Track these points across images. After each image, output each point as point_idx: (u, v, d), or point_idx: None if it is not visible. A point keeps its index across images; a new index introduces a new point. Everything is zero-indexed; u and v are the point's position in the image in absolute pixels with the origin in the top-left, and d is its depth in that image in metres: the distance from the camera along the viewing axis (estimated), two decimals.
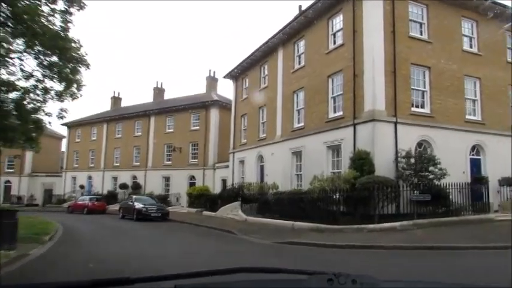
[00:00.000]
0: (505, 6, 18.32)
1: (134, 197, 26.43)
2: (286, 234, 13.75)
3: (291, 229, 14.82)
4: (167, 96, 45.33)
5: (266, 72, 24.93)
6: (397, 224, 12.65)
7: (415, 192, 14.30)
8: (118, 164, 41.05)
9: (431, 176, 13.95)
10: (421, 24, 16.96)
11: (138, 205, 23.36)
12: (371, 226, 12.61)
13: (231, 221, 20.04)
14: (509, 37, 19.42)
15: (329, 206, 14.35)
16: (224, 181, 30.49)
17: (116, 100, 48.35)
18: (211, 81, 40.14)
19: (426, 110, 16.33)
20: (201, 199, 27.00)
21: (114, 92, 49.56)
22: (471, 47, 18.12)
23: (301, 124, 20.14)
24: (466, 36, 18.09)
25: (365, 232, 12.45)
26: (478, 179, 16.07)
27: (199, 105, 35.34)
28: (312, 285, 1.30)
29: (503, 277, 5.79)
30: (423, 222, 12.97)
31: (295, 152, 20.37)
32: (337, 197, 14.13)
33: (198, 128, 35.07)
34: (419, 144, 15.89)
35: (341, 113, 16.99)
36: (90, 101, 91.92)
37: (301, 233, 13.79)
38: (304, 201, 15.42)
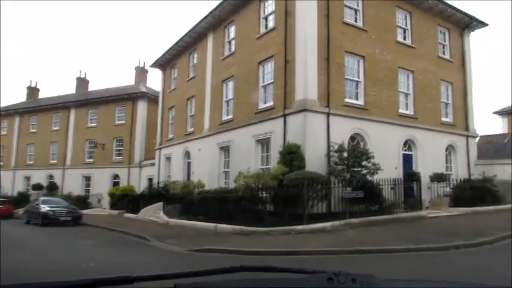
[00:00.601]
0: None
1: (41, 198, 22.99)
2: (207, 238, 11.95)
3: (214, 233, 13.05)
4: (92, 87, 41.40)
5: (195, 60, 22.89)
6: (328, 224, 11.33)
7: (348, 189, 13.16)
8: (32, 162, 36.60)
9: (364, 171, 12.86)
10: (356, 11, 15.97)
11: (45, 208, 20.20)
12: (300, 227, 11.15)
13: (151, 224, 17.86)
14: (440, 32, 19.26)
15: (256, 205, 12.74)
16: (151, 180, 27.93)
17: (32, 91, 43.18)
18: (141, 72, 37.10)
19: (360, 101, 15.35)
20: (124, 200, 24.33)
21: (31, 81, 44.38)
22: (405, 38, 17.56)
23: (230, 116, 18.40)
24: (400, 27, 17.50)
25: (293, 234, 10.97)
26: (410, 175, 15.38)
27: (126, 98, 32.32)
28: (312, 284, 1.29)
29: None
30: (355, 222, 11.80)
31: (223, 147, 18.60)
32: (264, 195, 12.57)
33: (123, 122, 32.07)
34: (353, 138, 14.86)
35: (272, 103, 15.49)
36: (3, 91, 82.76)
37: (223, 236, 12.06)
38: (228, 200, 13.67)
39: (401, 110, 16.73)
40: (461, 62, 19.80)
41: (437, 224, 12.77)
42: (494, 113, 41.45)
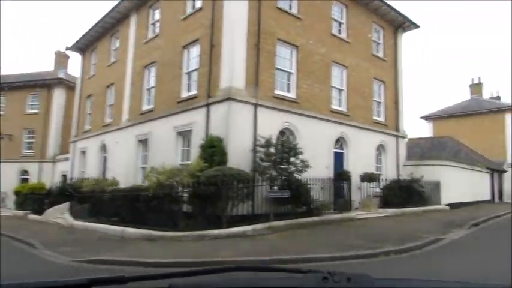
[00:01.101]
0: None
1: None
2: (110, 245, 10.04)
3: (120, 237, 11.14)
4: (4, 72, 36.69)
5: (117, 44, 20.56)
6: (249, 228, 9.98)
7: (275, 188, 11.98)
8: None
9: (292, 169, 11.71)
10: None
11: None
12: (216, 232, 9.66)
13: (53, 227, 15.40)
14: (375, 30, 18.91)
15: (169, 206, 11.05)
16: (65, 176, 24.93)
17: None
18: (61, 57, 33.40)
19: (291, 94, 14.27)
20: (31, 199, 21.28)
21: None
22: (340, 32, 16.85)
23: (151, 106, 16.48)
24: (335, 20, 16.74)
25: (207, 240, 9.46)
26: (340, 174, 14.60)
27: (40, 84, 28.81)
28: (308, 284, 1.29)
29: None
30: (280, 225, 10.59)
31: (142, 140, 16.61)
32: (179, 194, 10.94)
33: (37, 111, 28.55)
34: (282, 133, 13.71)
35: (196, 91, 13.87)
36: None
37: (128, 243, 10.21)
38: (140, 200, 11.84)
39: (334, 106, 15.96)
40: (393, 62, 19.65)
41: (366, 227, 12.01)
42: (421, 117, 43.34)
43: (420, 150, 27.36)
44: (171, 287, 1.25)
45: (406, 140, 20.24)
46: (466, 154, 29.77)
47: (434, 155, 23.12)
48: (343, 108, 16.34)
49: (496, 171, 31.35)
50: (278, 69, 13.98)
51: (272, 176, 11.61)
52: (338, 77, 16.46)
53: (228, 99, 12.02)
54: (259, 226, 10.07)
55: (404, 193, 16.64)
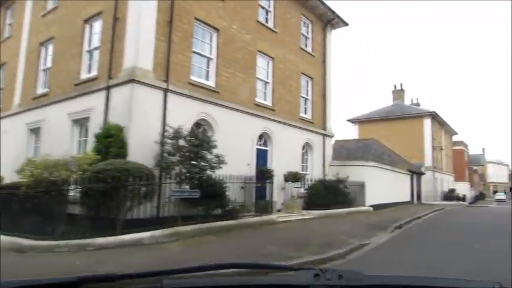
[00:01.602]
0: None
1: None
2: None
3: None
4: None
5: (11, 17, 17.52)
6: (146, 234, 8.21)
7: (186, 186, 10.33)
8: None
9: (203, 164, 10.12)
10: None
11: None
12: (101, 241, 7.71)
13: None
14: (304, 23, 18.07)
15: (52, 206, 8.90)
16: None
17: None
18: None
19: (210, 82, 12.72)
20: None
21: None
22: (267, 21, 15.66)
23: (46, 89, 13.96)
24: (262, 7, 15.53)
25: (90, 251, 7.54)
26: (262, 173, 13.34)
27: None
28: (300, 280, 1.29)
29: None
30: (187, 230, 8.96)
31: (33, 129, 14.02)
32: (64, 193, 8.86)
33: None
34: (198, 125, 12.10)
35: (96, 72, 11.75)
36: None
37: None
38: (14, 200, 9.52)
39: (259, 99, 14.69)
40: (322, 58, 18.97)
41: (287, 231, 10.82)
42: (348, 120, 44.22)
43: (346, 151, 27.35)
44: (164, 284, 1.20)
45: (333, 139, 19.63)
46: (389, 156, 30.46)
47: (360, 156, 23.02)
48: (268, 102, 15.15)
49: (415, 173, 32.53)
50: (196, 53, 12.35)
51: (181, 172, 9.92)
52: (264, 68, 15.24)
53: (132, 81, 10.13)
54: (159, 232, 8.34)
55: (329, 194, 15.89)
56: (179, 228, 8.83)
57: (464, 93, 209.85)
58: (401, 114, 40.73)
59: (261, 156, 14.46)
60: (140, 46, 10.44)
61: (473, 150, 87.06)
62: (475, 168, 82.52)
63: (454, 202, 41.05)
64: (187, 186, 10.31)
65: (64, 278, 1.19)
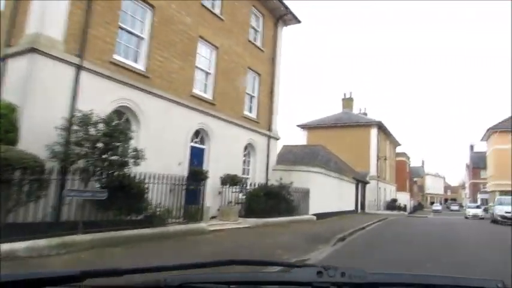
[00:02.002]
0: None
1: None
2: None
3: None
4: None
5: None
6: (22, 245, 6.28)
7: (97, 185, 8.48)
8: None
9: (114, 159, 8.32)
10: None
11: None
12: None
13: None
14: (255, 15, 16.76)
15: None
16: None
17: None
18: None
19: (139, 65, 10.93)
20: None
21: None
22: (213, 7, 14.12)
23: None
24: None
25: None
26: (195, 174, 11.71)
27: None
28: (301, 278, 1.26)
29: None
30: (84, 240, 7.12)
31: None
32: None
33: None
34: (120, 113, 10.26)
35: None
36: None
37: None
38: None
39: (197, 91, 13.09)
40: (272, 55, 17.75)
41: (216, 243, 9.27)
42: (298, 126, 43.69)
43: (293, 156, 26.45)
44: (166, 280, 1.22)
45: (279, 142, 18.42)
46: (335, 163, 29.98)
47: (306, 161, 22.07)
48: (208, 95, 13.59)
49: (360, 182, 32.36)
50: (124, 29, 10.53)
51: (88, 167, 8.07)
52: (206, 58, 13.68)
53: (33, 50, 8.14)
54: (43, 242, 6.46)
55: (271, 200, 14.60)
56: (73, 238, 6.98)
57: (408, 107, 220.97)
58: (349, 122, 40.82)
59: (197, 156, 12.84)
60: (48, 8, 8.49)
61: (413, 162, 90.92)
62: (415, 179, 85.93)
63: (395, 212, 41.69)
64: (97, 185, 8.48)
65: (67, 271, 1.18)
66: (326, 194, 20.14)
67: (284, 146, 33.80)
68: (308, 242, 10.32)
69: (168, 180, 10.59)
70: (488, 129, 44.88)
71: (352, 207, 27.79)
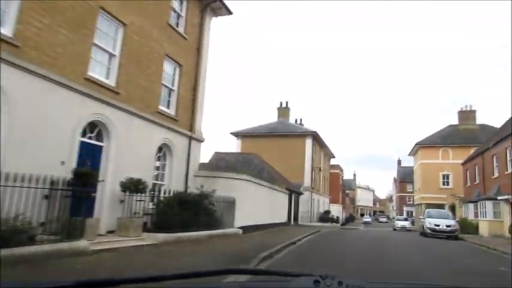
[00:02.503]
0: None
1: None
2: None
3: None
4: None
5: None
6: None
7: None
8: None
9: None
10: None
11: None
12: None
13: None
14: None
15: None
16: None
17: None
18: None
19: (5, 30, 8.18)
20: None
21: None
22: None
23: None
24: None
25: None
26: (81, 176, 9.02)
27: None
28: (299, 286, 1.29)
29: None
30: None
31: None
32: None
33: None
34: None
35: None
36: None
37: None
38: None
39: (95, 74, 10.46)
40: (197, 45, 15.58)
41: (88, 269, 6.74)
42: (231, 133, 41.77)
43: (225, 164, 24.48)
44: None
45: (207, 146, 16.10)
46: (268, 173, 28.36)
47: (238, 169, 20.03)
48: (110, 81, 11.00)
49: (294, 192, 31.00)
50: None
51: None
52: (109, 35, 11.14)
53: None
54: None
55: (188, 211, 12.27)
56: None
57: (341, 121, 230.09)
58: (284, 132, 39.75)
59: (91, 154, 10.15)
60: None
61: (346, 175, 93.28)
62: (347, 191, 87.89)
63: (328, 224, 41.11)
64: None
65: (61, 281, 1.16)
66: (255, 204, 18.19)
67: (216, 153, 31.68)
68: (224, 264, 8.16)
69: (42, 184, 7.92)
70: (416, 144, 46.33)
71: (284, 219, 26.18)
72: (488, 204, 25.62)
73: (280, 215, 24.69)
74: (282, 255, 11.25)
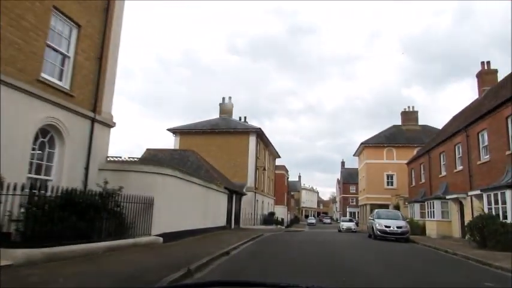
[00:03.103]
0: None
1: None
2: None
3: None
4: None
5: None
6: None
7: None
8: None
9: None
10: None
11: None
12: None
13: None
14: None
15: None
16: None
17: None
18: None
19: None
20: None
21: None
22: None
23: None
24: None
25: None
26: None
27: None
28: None
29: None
30: None
31: None
32: None
33: None
34: None
35: None
36: None
37: None
38: None
39: None
40: (106, 5, 12.25)
41: None
42: (168, 130, 38.19)
43: (158, 162, 21.16)
44: None
45: (111, 130, 12.68)
46: (206, 171, 25.34)
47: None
48: None
49: (236, 193, 28.14)
50: None
51: None
52: None
53: None
54: None
55: (83, 216, 8.97)
56: None
57: (288, 124, 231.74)
58: (226, 129, 36.85)
59: None
60: None
61: (291, 176, 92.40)
62: (292, 193, 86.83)
63: (273, 226, 38.83)
64: None
65: None
66: (184, 206, 15.09)
67: (148, 149, 28.17)
68: None
69: None
70: (361, 144, 45.51)
71: (223, 223, 23.24)
72: (437, 204, 24.45)
73: (218, 218, 21.74)
74: (206, 272, 8.32)
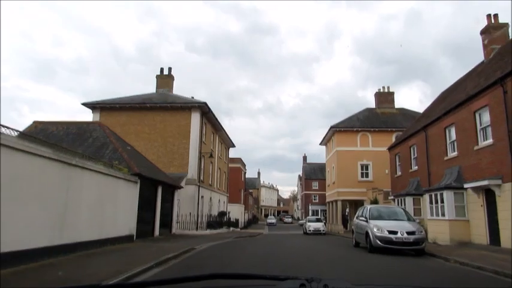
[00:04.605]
0: None
1: None
2: None
3: None
4: None
5: None
6: None
7: None
8: None
9: None
10: None
11: None
12: None
13: None
14: None
15: None
16: None
17: None
18: None
19: None
20: None
21: None
22: None
23: None
24: None
25: None
26: None
27: None
28: None
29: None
30: None
31: None
32: None
33: None
34: None
35: None
36: None
37: None
38: None
39: None
40: None
41: None
42: (83, 104, 28.80)
43: (46, 138, 12.83)
44: None
45: None
46: (114, 151, 16.62)
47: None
48: None
49: (163, 184, 19.31)
50: None
51: None
52: None
53: None
54: None
55: None
56: None
57: (248, 117, 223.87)
58: (161, 103, 28.01)
59: None
60: None
61: (249, 173, 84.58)
62: (250, 191, 78.88)
63: (223, 229, 30.55)
64: None
65: None
66: (28, 203, 6.38)
67: (35, 122, 19.10)
68: None
69: None
70: (330, 128, 37.92)
71: (127, 231, 14.47)
72: (448, 196, 17.14)
73: (113, 224, 13.01)
74: None
